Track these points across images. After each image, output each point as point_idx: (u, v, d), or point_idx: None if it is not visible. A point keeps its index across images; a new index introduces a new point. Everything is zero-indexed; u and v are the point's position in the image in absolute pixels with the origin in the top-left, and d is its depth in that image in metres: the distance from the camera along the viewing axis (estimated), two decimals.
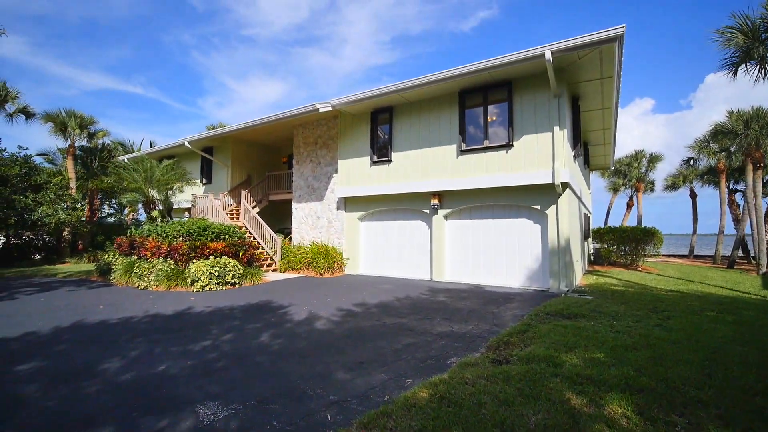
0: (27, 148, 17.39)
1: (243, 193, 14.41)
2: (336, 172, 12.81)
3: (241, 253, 10.66)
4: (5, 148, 16.31)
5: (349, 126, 12.38)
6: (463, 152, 10.04)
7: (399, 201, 11.36)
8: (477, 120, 10.02)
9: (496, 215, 9.94)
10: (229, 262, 9.93)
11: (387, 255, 11.83)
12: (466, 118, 10.12)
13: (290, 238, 14.14)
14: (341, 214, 12.61)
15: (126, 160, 15.60)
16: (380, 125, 11.76)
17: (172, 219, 13.55)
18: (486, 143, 9.72)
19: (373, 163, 11.70)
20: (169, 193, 13.98)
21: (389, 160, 11.36)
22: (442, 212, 10.55)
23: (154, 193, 12.59)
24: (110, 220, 26.54)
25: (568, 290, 8.61)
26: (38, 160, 18.34)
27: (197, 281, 9.43)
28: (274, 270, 12.83)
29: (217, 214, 13.44)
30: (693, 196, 28.59)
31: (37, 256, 18.65)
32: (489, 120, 9.78)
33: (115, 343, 5.08)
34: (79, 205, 17.83)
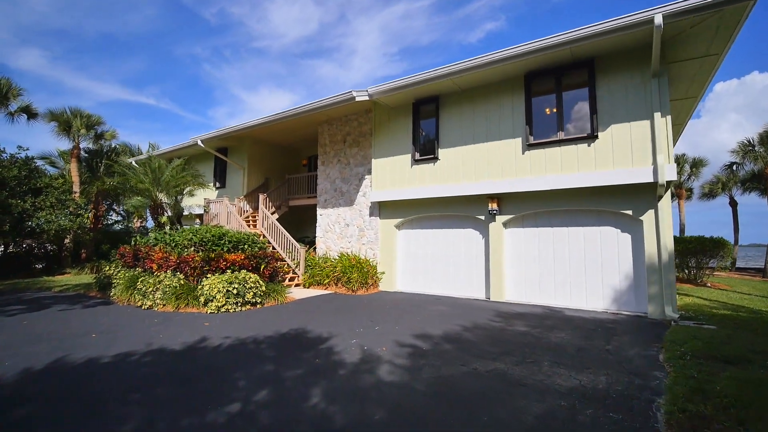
0: (27, 149, 16.11)
1: (261, 197, 12.87)
2: (368, 173, 11.21)
3: (262, 267, 9.04)
4: (4, 149, 15.04)
5: (386, 120, 10.80)
6: (530, 147, 8.37)
7: (446, 206, 9.70)
8: (548, 108, 8.37)
9: (571, 222, 8.22)
10: (250, 278, 8.31)
11: (430, 269, 10.12)
12: (533, 106, 8.47)
13: (314, 249, 12.52)
14: (374, 221, 10.97)
15: (134, 163, 14.21)
16: (424, 118, 10.16)
17: (182, 226, 12.03)
18: (560, 135, 8.05)
19: (415, 161, 10.08)
20: (179, 197, 12.49)
21: (435, 158, 9.73)
22: (501, 219, 8.85)
23: (162, 197, 11.09)
24: (117, 227, 25.22)
25: (678, 317, 6.82)
26: (39, 163, 17.00)
27: (212, 300, 7.82)
28: (297, 285, 11.19)
29: (234, 221, 11.88)
30: (733, 204, 26.57)
31: (39, 266, 17.26)
32: (564, 108, 8.12)
33: (100, 406, 3.44)
34: (82, 211, 16.43)
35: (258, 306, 8.27)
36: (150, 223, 18.58)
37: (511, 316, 7.21)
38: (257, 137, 14.50)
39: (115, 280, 9.66)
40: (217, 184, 15.56)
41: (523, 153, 8.47)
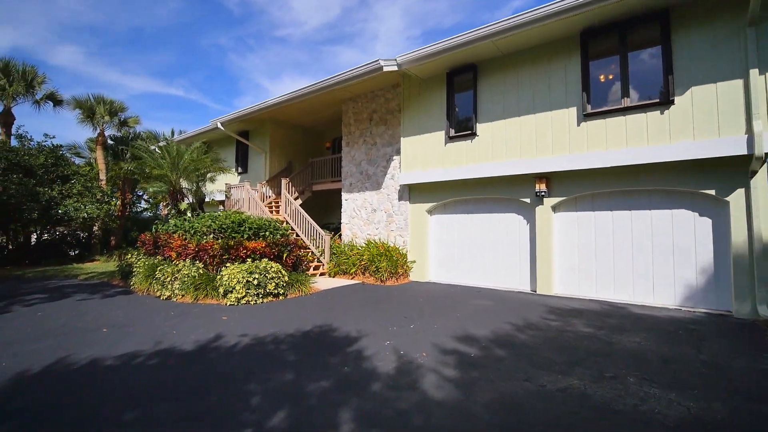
0: (53, 137, 16.14)
1: (284, 182, 12.24)
2: (397, 153, 10.31)
3: (284, 255, 8.41)
4: (31, 137, 15.06)
5: (416, 94, 9.81)
6: (587, 117, 7.22)
7: (485, 187, 8.70)
8: (608, 72, 7.16)
9: (636, 204, 7.07)
10: (271, 267, 7.69)
11: (466, 258, 9.21)
12: (590, 70, 7.28)
13: (339, 236, 11.83)
14: (404, 206, 10.10)
15: (156, 149, 13.89)
16: (459, 90, 9.10)
17: (204, 212, 11.61)
18: (625, 102, 6.85)
19: (450, 139, 9.08)
20: (200, 182, 12.05)
21: (473, 134, 8.70)
22: (550, 201, 7.79)
23: (182, 182, 10.63)
24: (146, 214, 25.54)
25: None
26: (65, 152, 17.05)
27: (231, 292, 7.26)
28: (323, 274, 10.55)
29: (256, 207, 11.32)
30: None
31: (73, 253, 17.52)
32: (629, 71, 6.89)
33: (90, 423, 2.82)
34: (108, 198, 16.41)
35: (280, 297, 7.65)
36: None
37: (566, 313, 6.24)
38: (279, 119, 13.82)
39: (135, 269, 9.31)
40: (239, 170, 15.07)
41: (578, 125, 7.32)
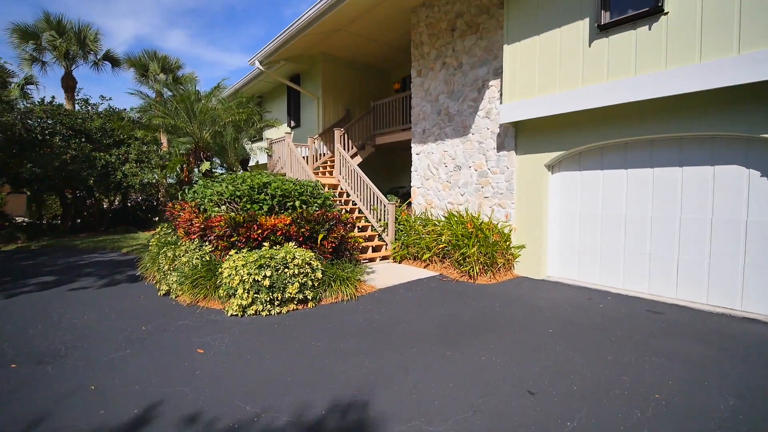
0: (110, 98, 15.33)
1: (337, 133, 9.31)
2: (496, 74, 6.55)
3: (320, 236, 5.52)
4: (89, 98, 14.29)
5: None
6: None
7: (668, 117, 4.64)
8: None
9: None
10: (295, 256, 4.88)
11: (616, 244, 5.39)
12: None
13: (408, 204, 8.66)
14: (507, 159, 6.45)
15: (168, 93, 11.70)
16: None
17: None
18: None
19: (600, 30, 5.05)
20: (240, 137, 9.71)
21: (655, 11, 4.57)
22: None
23: (206, 137, 8.31)
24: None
25: None
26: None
27: (233, 296, 4.67)
28: (384, 258, 7.59)
29: (297, 165, 8.61)
30: None
31: (143, 220, 17.32)
32: None
33: None
34: (170, 163, 15.36)
35: (310, 305, 4.87)
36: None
37: None
38: (332, 53, 10.73)
39: (149, 249, 7.37)
40: (292, 123, 12.54)
41: None
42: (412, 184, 8.42)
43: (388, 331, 4.02)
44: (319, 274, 5.00)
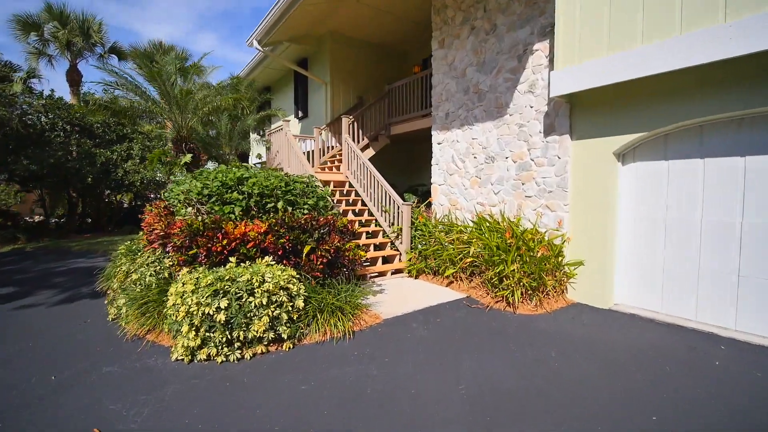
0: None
1: (345, 121, 7.94)
2: (542, 36, 4.97)
3: (306, 249, 4.12)
4: (91, 92, 13.57)
5: None
6: None
7: None
8: None
9: None
10: (266, 277, 3.52)
11: (723, 264, 3.72)
12: None
13: (428, 204, 7.17)
14: (557, 145, 4.86)
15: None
16: None
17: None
18: None
19: None
20: (238, 130, 8.52)
21: None
22: None
23: (190, 123, 7.12)
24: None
25: None
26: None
27: (179, 333, 3.37)
28: (397, 272, 6.14)
29: (294, 157, 7.28)
30: None
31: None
32: None
33: None
34: (150, 155, 14.53)
35: (285, 346, 3.50)
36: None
37: None
38: (340, 31, 9.37)
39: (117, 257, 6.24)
40: (300, 113, 11.28)
41: None
42: (432, 180, 6.93)
43: (388, 405, 2.58)
44: (299, 303, 3.63)
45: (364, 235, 6.63)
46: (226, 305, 3.29)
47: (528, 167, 5.22)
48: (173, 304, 3.41)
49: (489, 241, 4.86)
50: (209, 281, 3.43)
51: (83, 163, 12.23)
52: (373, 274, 5.83)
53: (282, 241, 4.02)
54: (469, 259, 5.00)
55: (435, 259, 5.63)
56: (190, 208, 4.74)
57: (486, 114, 5.81)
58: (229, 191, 4.58)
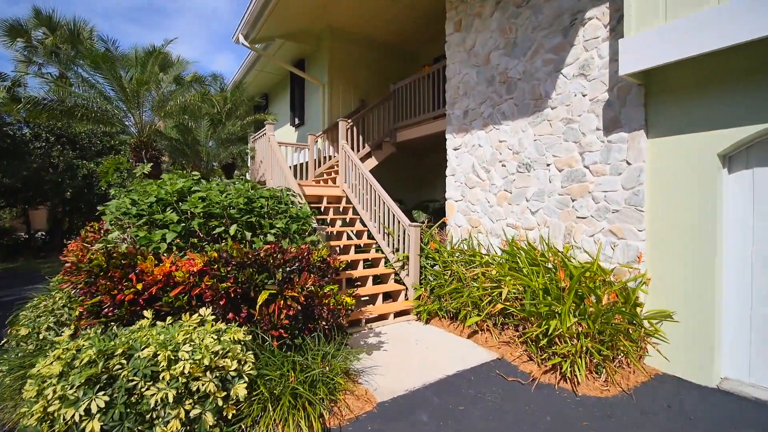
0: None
1: (342, 126, 6.70)
2: (596, 1, 3.64)
3: (262, 296, 2.77)
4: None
5: None
6: None
7: None
8: None
9: None
10: (182, 349, 2.16)
11: None
12: None
13: (441, 226, 5.76)
14: (625, 146, 3.46)
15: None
16: None
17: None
18: None
19: None
20: (224, 137, 7.34)
21: None
22: None
23: (155, 126, 5.95)
24: None
25: None
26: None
27: None
28: (402, 314, 4.72)
29: (277, 165, 5.98)
30: None
31: None
32: None
33: None
34: (102, 167, 13.49)
35: None
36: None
37: None
38: (340, 26, 8.24)
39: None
40: (296, 121, 10.11)
41: None
42: (446, 195, 5.57)
43: None
44: (240, 390, 2.25)
45: (361, 263, 5.27)
46: (105, 404, 1.94)
47: (580, 177, 3.83)
48: (28, 399, 2.07)
49: (530, 280, 3.45)
50: (89, 358, 2.10)
51: (64, 176, 11.25)
52: (370, 317, 4.44)
53: (225, 285, 2.68)
54: (500, 306, 3.58)
55: (453, 300, 4.22)
56: (118, 232, 3.47)
57: (518, 109, 4.47)
58: (167, 208, 3.29)
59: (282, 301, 2.83)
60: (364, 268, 5.32)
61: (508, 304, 3.59)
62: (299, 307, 2.87)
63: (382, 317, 4.57)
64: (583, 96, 3.80)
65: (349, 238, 5.81)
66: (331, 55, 8.41)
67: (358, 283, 5.04)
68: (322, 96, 8.55)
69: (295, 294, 2.84)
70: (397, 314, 4.68)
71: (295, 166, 8.23)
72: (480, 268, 4.10)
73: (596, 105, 3.69)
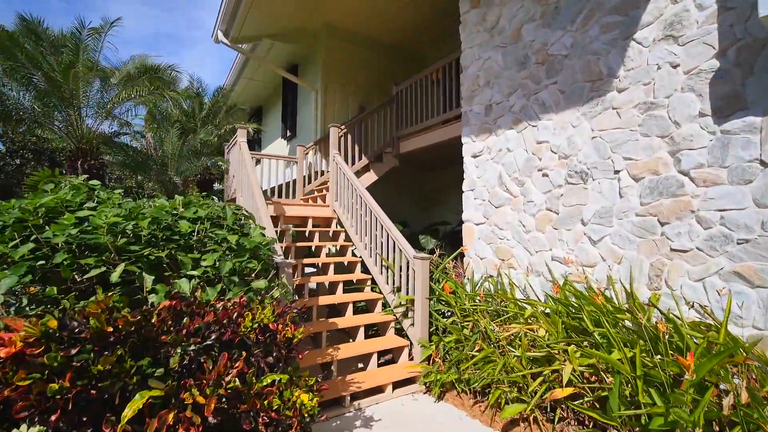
0: None
1: (334, 133, 5.54)
2: None
3: (135, 404, 1.50)
4: None
5: None
6: None
7: None
8: None
9: None
10: None
11: None
12: None
13: (459, 257, 4.41)
14: (757, 138, 2.15)
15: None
16: None
17: (211, 200, 5.67)
18: None
19: None
20: (196, 147, 6.23)
21: None
22: None
23: (97, 130, 4.85)
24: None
25: None
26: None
27: None
28: (404, 384, 3.36)
29: (245, 183, 4.77)
30: None
31: None
32: None
33: None
34: (29, 180, 12.44)
35: None
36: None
37: None
38: (337, 23, 7.23)
39: None
40: (288, 133, 9.02)
41: None
42: (464, 217, 4.27)
43: None
44: None
45: (350, 307, 3.95)
46: None
47: (674, 188, 2.52)
48: None
49: (612, 357, 2.09)
50: None
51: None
52: (359, 390, 3.08)
53: (55, 386, 1.39)
54: (559, 393, 2.22)
55: (477, 370, 2.86)
56: None
57: (564, 96, 3.23)
58: (12, 236, 2.05)
59: (178, 413, 1.52)
60: (354, 313, 3.99)
61: (570, 390, 2.23)
62: (211, 421, 1.55)
63: (377, 390, 3.20)
64: (674, 68, 2.54)
65: (334, 272, 4.52)
66: (327, 56, 7.35)
67: (346, 333, 3.71)
68: (315, 102, 7.45)
69: (202, 399, 1.53)
70: (398, 384, 3.30)
71: (286, 184, 7.08)
72: (518, 324, 2.76)
73: (697, 79, 2.43)
